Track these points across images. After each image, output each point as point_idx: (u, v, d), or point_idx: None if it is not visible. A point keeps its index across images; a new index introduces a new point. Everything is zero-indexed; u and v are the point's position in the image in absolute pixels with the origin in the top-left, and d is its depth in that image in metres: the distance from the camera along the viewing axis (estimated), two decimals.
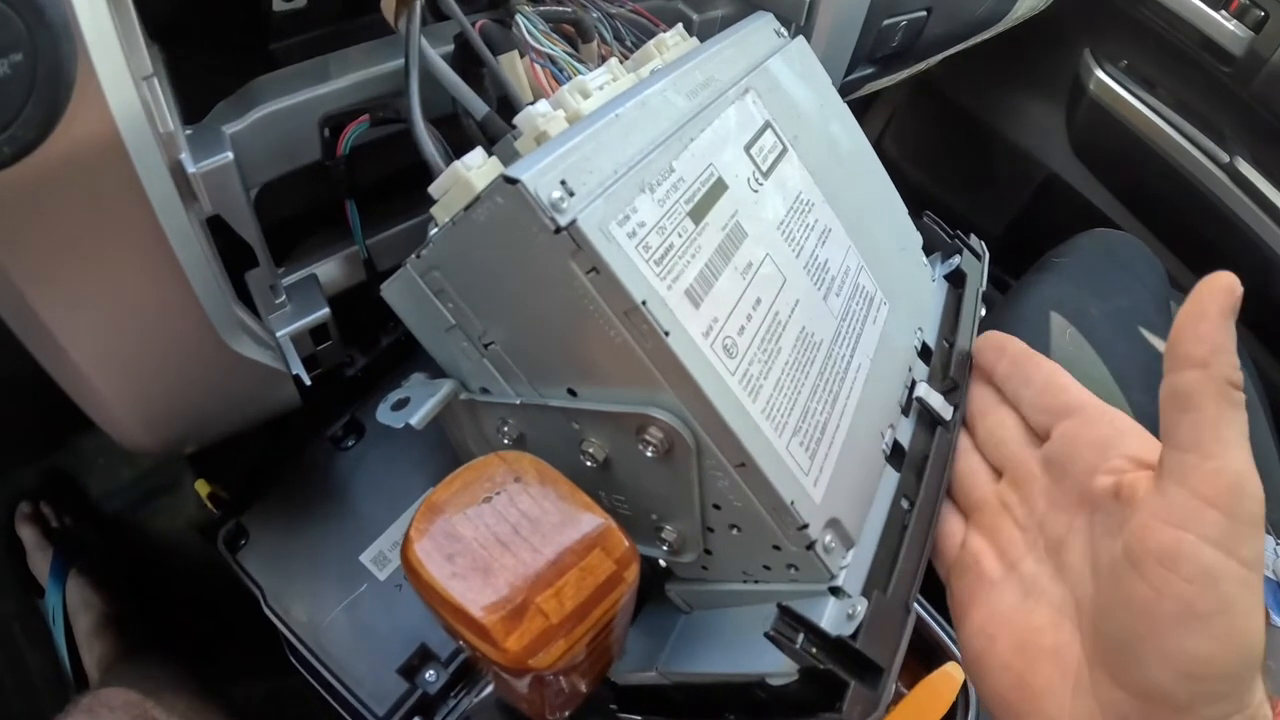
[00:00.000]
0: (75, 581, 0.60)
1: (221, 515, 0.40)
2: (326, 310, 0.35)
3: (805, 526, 0.25)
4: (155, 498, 0.68)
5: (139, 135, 0.24)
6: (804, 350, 0.27)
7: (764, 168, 0.29)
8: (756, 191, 0.28)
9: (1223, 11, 0.77)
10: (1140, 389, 0.69)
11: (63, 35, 0.21)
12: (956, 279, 0.42)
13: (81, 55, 0.22)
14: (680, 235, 0.24)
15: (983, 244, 0.45)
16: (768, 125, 0.30)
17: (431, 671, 0.36)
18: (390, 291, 0.29)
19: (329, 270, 0.38)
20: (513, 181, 0.22)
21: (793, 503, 0.24)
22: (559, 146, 0.23)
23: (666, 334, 0.22)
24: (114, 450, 0.33)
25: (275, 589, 0.38)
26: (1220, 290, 0.21)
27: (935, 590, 0.31)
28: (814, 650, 0.24)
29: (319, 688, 0.37)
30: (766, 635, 0.23)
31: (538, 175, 0.22)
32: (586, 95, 0.27)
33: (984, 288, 0.43)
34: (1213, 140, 0.78)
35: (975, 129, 1.00)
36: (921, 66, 0.88)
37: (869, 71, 0.62)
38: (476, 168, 0.26)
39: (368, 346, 0.44)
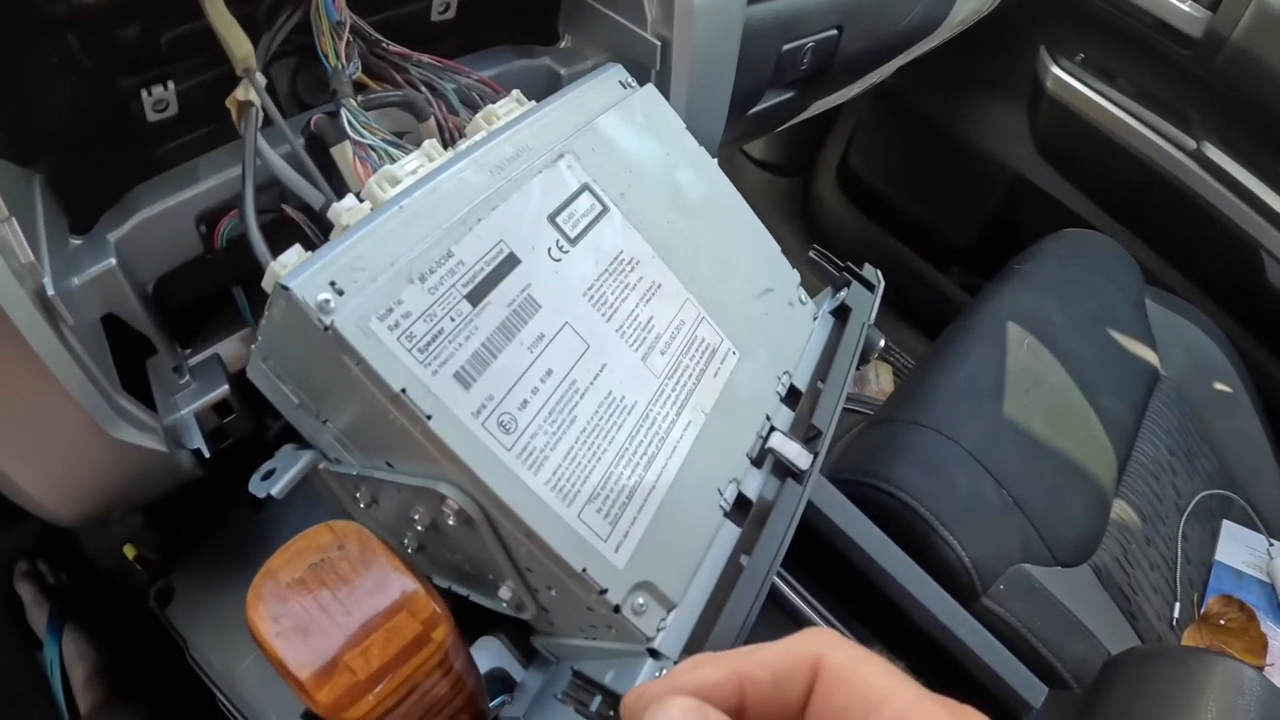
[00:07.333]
0: (70, 635, 0.64)
1: (150, 576, 0.43)
2: (226, 388, 0.37)
3: (605, 591, 0.25)
4: None
5: None
6: (608, 415, 0.28)
7: (573, 234, 0.30)
8: (559, 260, 0.29)
9: None
10: (1108, 394, 0.66)
11: None
12: (844, 314, 0.41)
13: None
14: (453, 319, 0.25)
15: (879, 273, 0.45)
16: (585, 188, 0.31)
17: None
18: (251, 374, 0.31)
19: (230, 348, 0.40)
20: (285, 288, 0.23)
21: (584, 570, 0.25)
22: (337, 246, 0.25)
23: (429, 418, 0.23)
24: None
25: (196, 641, 0.41)
26: None
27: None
28: (611, 713, 0.24)
29: None
30: (555, 698, 0.24)
31: (308, 280, 0.24)
32: (395, 183, 0.29)
33: (872, 320, 0.42)
34: (1178, 127, 0.75)
35: (939, 137, 0.98)
36: (875, 79, 0.86)
37: (788, 96, 0.62)
38: (290, 265, 0.28)
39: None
